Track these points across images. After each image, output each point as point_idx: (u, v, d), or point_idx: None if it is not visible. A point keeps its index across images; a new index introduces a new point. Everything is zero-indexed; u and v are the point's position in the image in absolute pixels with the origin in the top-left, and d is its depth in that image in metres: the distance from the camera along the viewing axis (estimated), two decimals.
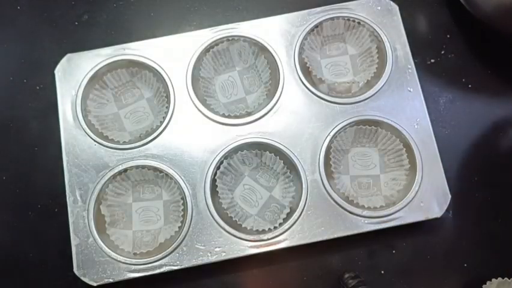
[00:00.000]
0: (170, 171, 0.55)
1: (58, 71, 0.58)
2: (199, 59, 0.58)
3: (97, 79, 0.58)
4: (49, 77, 0.58)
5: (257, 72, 0.60)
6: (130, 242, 0.54)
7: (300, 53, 0.58)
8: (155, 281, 0.53)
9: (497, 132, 0.59)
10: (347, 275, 0.52)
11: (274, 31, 0.59)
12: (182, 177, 0.55)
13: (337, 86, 0.58)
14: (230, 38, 0.58)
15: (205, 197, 0.54)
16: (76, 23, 0.63)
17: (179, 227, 0.53)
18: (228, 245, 0.53)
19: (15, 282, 0.55)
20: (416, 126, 0.56)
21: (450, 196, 0.54)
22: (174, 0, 0.63)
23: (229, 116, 0.56)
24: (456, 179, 0.56)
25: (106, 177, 0.54)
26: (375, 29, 0.58)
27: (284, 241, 0.53)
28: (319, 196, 0.54)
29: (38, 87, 0.60)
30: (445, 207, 0.54)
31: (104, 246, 0.53)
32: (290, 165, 0.55)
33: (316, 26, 0.59)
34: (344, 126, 0.56)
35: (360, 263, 0.55)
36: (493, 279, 0.51)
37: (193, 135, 0.56)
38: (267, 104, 0.57)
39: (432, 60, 0.61)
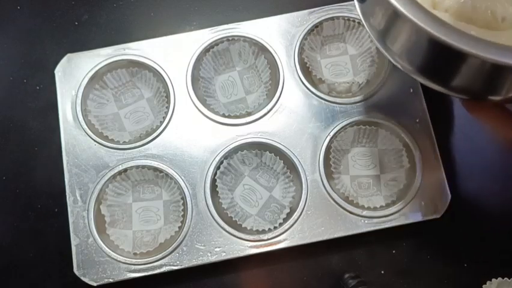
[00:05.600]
0: (170, 171, 0.55)
1: (58, 71, 0.58)
2: (199, 59, 0.58)
3: (97, 79, 0.58)
4: (49, 77, 0.58)
5: (257, 72, 0.60)
6: (130, 242, 0.54)
7: (300, 53, 0.58)
8: (155, 281, 0.53)
9: (498, 131, 0.59)
10: (347, 275, 0.52)
11: (274, 31, 0.59)
12: (182, 177, 0.55)
13: (337, 86, 0.58)
14: (230, 38, 0.58)
15: (205, 197, 0.54)
16: (76, 23, 0.63)
17: (179, 227, 0.53)
18: (228, 245, 0.53)
19: (15, 282, 0.55)
20: (416, 126, 0.56)
21: (450, 196, 0.54)
22: (174, 0, 0.63)
23: (229, 116, 0.56)
24: (456, 179, 0.56)
25: (106, 177, 0.54)
26: None
27: (284, 241, 0.53)
28: (319, 196, 0.54)
29: (38, 87, 0.60)
30: (445, 207, 0.54)
31: (104, 246, 0.53)
32: (290, 165, 0.55)
33: (316, 26, 0.59)
34: (344, 126, 0.56)
35: (360, 263, 0.55)
36: (493, 279, 0.51)
37: (193, 135, 0.56)
38: (267, 104, 0.57)
39: None
